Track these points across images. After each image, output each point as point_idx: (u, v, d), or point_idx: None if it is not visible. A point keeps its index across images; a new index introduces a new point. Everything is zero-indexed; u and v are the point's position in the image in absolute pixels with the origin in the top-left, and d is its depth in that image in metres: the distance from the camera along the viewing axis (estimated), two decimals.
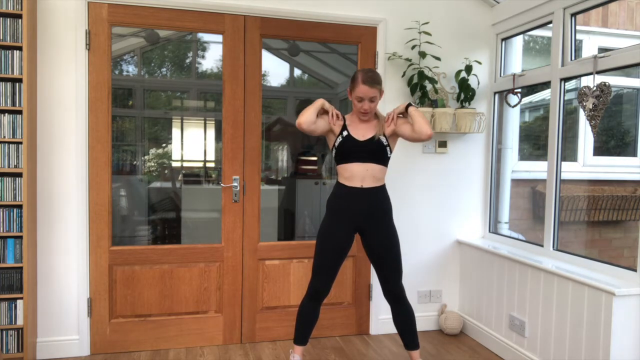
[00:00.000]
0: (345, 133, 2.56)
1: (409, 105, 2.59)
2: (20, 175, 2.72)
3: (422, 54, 3.29)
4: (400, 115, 2.63)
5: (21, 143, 2.70)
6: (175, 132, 4.77)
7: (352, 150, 2.54)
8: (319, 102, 2.58)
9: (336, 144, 2.57)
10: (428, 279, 3.57)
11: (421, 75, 3.27)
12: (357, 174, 2.54)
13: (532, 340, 2.90)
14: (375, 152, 2.54)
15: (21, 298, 2.73)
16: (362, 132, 2.57)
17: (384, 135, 2.56)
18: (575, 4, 2.84)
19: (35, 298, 2.90)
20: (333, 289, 2.69)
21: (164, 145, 4.78)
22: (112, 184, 3.03)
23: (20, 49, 2.69)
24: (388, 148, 2.58)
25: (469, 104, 3.42)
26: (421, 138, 2.54)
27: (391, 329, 3.20)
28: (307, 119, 2.51)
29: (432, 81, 3.32)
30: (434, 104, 3.35)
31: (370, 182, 2.55)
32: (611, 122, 4.88)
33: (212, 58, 4.52)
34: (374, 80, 2.48)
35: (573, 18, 2.91)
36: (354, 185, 2.55)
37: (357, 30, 3.34)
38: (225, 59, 3.16)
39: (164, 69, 4.86)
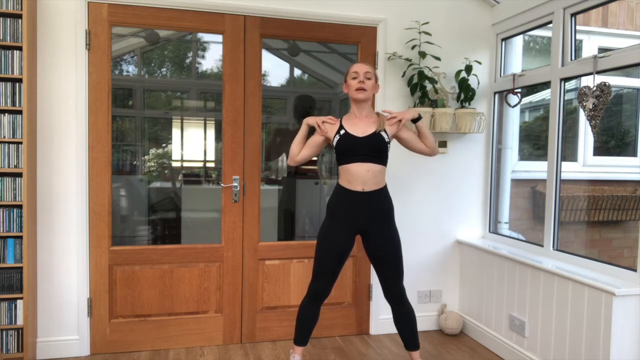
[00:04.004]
0: (342, 132, 2.55)
1: (420, 117, 2.61)
2: (20, 175, 2.72)
3: (422, 54, 3.29)
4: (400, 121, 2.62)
5: (21, 143, 2.70)
6: (175, 132, 4.77)
7: (352, 147, 2.51)
8: (304, 127, 2.64)
9: (334, 144, 2.56)
10: (428, 279, 3.57)
11: (421, 75, 3.27)
12: (359, 177, 2.51)
13: (532, 340, 2.90)
14: (376, 148, 2.52)
15: (21, 298, 2.73)
16: (361, 129, 2.55)
17: (386, 132, 2.56)
18: (575, 4, 2.84)
19: (35, 298, 2.90)
20: (333, 290, 2.69)
21: (164, 145, 4.78)
22: (112, 184, 3.03)
23: (20, 49, 2.69)
24: (389, 145, 2.57)
25: (469, 104, 3.41)
26: (431, 154, 2.67)
27: (391, 329, 3.20)
28: (292, 156, 2.63)
29: (432, 81, 3.32)
30: (433, 104, 3.35)
31: (372, 186, 2.53)
32: (611, 122, 4.88)
33: (212, 58, 4.52)
34: (369, 63, 2.59)
35: (573, 18, 2.91)
36: (355, 189, 2.53)
37: (357, 30, 3.34)
38: (225, 59, 3.16)
39: (164, 69, 4.86)
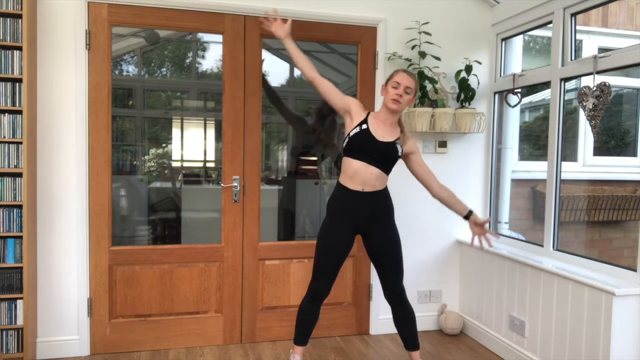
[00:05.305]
0: (364, 126, 2.52)
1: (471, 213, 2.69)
2: (20, 175, 2.72)
3: (422, 54, 3.29)
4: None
5: (21, 143, 2.70)
6: (175, 132, 4.77)
7: (366, 146, 2.49)
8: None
9: (351, 134, 2.53)
10: (428, 279, 3.56)
11: (421, 75, 3.27)
12: (360, 176, 2.51)
13: (532, 340, 2.90)
14: (387, 156, 2.52)
15: (21, 298, 2.73)
16: (381, 133, 2.52)
17: (401, 147, 2.56)
18: (575, 4, 2.84)
19: (35, 298, 2.90)
20: (333, 289, 2.69)
21: (164, 145, 4.78)
22: (112, 184, 3.03)
23: (20, 49, 2.69)
24: (399, 158, 2.58)
25: (469, 104, 3.41)
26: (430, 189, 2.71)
27: (391, 329, 3.19)
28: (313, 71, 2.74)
29: (432, 81, 3.32)
30: (434, 104, 3.35)
31: (370, 187, 2.53)
32: (611, 122, 4.88)
33: (212, 58, 4.52)
34: (414, 76, 2.59)
35: (573, 18, 2.92)
36: (355, 188, 2.52)
37: (357, 30, 3.34)
38: (225, 59, 3.16)
39: (164, 69, 4.86)
